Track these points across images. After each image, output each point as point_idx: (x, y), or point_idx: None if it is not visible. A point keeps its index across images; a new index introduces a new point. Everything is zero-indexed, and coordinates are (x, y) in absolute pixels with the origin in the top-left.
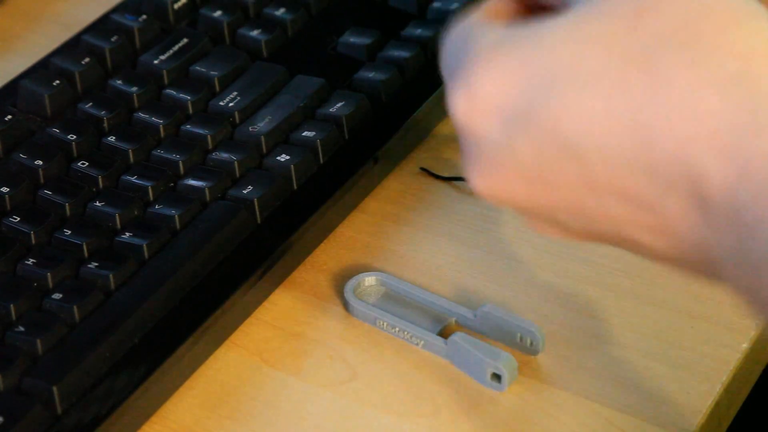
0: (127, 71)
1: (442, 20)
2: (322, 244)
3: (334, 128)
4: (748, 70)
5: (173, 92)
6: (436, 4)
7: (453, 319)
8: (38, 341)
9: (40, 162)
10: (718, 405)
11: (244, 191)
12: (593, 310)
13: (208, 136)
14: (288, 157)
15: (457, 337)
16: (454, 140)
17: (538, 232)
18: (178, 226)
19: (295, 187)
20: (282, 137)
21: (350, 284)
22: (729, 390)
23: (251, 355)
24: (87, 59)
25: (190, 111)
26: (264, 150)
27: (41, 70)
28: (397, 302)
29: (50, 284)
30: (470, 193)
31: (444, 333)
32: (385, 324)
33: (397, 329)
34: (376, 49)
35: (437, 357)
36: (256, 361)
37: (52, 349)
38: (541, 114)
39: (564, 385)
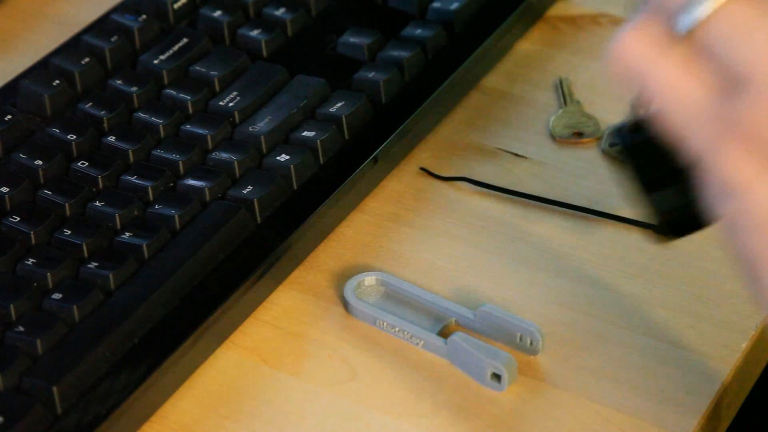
0: (127, 71)
1: (442, 20)
2: (322, 244)
3: (334, 128)
4: None
5: (173, 92)
6: (436, 4)
7: (453, 319)
8: (38, 341)
9: (40, 162)
10: (718, 405)
11: (244, 191)
12: (593, 310)
13: (208, 136)
14: (288, 157)
15: (457, 337)
16: (454, 140)
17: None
18: (178, 226)
19: (295, 187)
20: (282, 137)
21: (350, 284)
22: (729, 390)
23: (251, 355)
24: (87, 59)
25: (190, 111)
26: (264, 150)
27: (41, 70)
28: (397, 302)
29: (50, 284)
30: (470, 193)
31: (444, 333)
32: (385, 324)
33: (397, 329)
34: (376, 49)
35: (437, 357)
36: (256, 361)
37: (52, 349)
38: None
39: (564, 385)
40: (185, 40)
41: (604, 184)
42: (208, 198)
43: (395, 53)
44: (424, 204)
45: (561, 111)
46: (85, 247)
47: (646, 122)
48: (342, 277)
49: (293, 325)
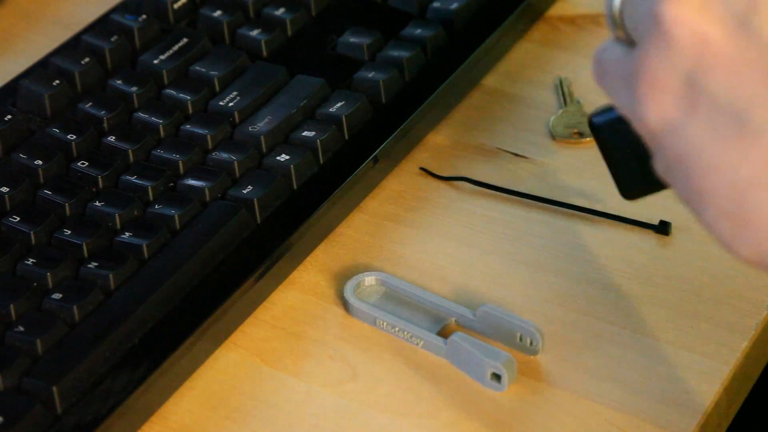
0: (127, 71)
1: (442, 20)
2: (322, 244)
3: (334, 128)
4: None
5: (173, 92)
6: (436, 4)
7: (453, 319)
8: (38, 341)
9: (40, 162)
10: (718, 405)
11: (244, 191)
12: (593, 310)
13: (208, 136)
14: (288, 157)
15: (457, 337)
16: (454, 140)
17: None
18: (178, 226)
19: (295, 187)
20: (282, 137)
21: (350, 284)
22: (729, 390)
23: (251, 355)
24: (87, 59)
25: (190, 111)
26: (264, 150)
27: (41, 70)
28: (397, 302)
29: (50, 284)
30: (470, 193)
31: (444, 333)
32: (385, 324)
33: (396, 329)
34: (376, 49)
35: (437, 357)
36: (256, 361)
37: (52, 349)
38: None
39: (564, 385)
40: (185, 40)
41: (604, 184)
42: (208, 198)
43: (395, 53)
44: (424, 204)
45: (561, 111)
46: (85, 247)
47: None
48: (342, 277)
49: (293, 325)
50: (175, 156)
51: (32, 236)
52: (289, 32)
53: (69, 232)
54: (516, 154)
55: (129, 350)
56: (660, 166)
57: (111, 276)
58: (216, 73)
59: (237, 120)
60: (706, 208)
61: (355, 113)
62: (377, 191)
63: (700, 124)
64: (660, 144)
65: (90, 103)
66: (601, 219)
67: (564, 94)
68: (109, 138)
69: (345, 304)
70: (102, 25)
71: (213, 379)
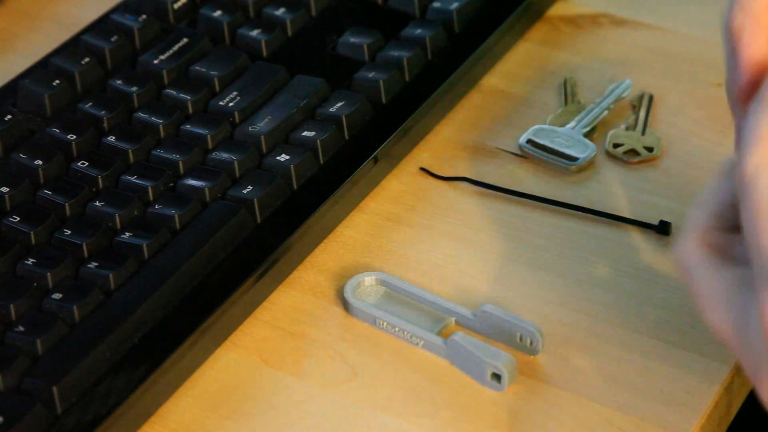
0: (127, 71)
1: (442, 20)
2: (322, 244)
3: (334, 128)
4: None
5: (173, 92)
6: (436, 4)
7: (453, 319)
8: (38, 341)
9: (40, 162)
10: (718, 405)
11: (244, 191)
12: (593, 310)
13: (208, 136)
14: (288, 157)
15: (457, 337)
16: (454, 140)
17: None
18: (178, 226)
19: (295, 187)
20: (282, 137)
21: (350, 284)
22: (729, 390)
23: (251, 355)
24: (87, 59)
25: (190, 111)
26: (264, 150)
27: (41, 70)
28: (397, 302)
29: (50, 284)
30: (470, 193)
31: (444, 333)
32: (385, 324)
33: (396, 329)
34: (376, 49)
35: (437, 357)
36: (256, 361)
37: (52, 349)
38: None
39: (564, 385)
40: (185, 40)
41: (604, 184)
42: (208, 198)
43: (395, 53)
44: (424, 204)
45: (560, 110)
46: (85, 247)
47: None
48: (342, 277)
49: (293, 325)
50: (175, 156)
51: (32, 236)
52: (289, 32)
53: (69, 232)
54: (516, 154)
55: (129, 350)
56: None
57: (111, 276)
58: (216, 73)
59: (237, 120)
60: None
61: (355, 113)
62: (377, 191)
63: None
64: None
65: (90, 103)
66: (601, 219)
67: (566, 93)
68: (109, 138)
69: (345, 304)
70: (102, 25)
71: (213, 379)
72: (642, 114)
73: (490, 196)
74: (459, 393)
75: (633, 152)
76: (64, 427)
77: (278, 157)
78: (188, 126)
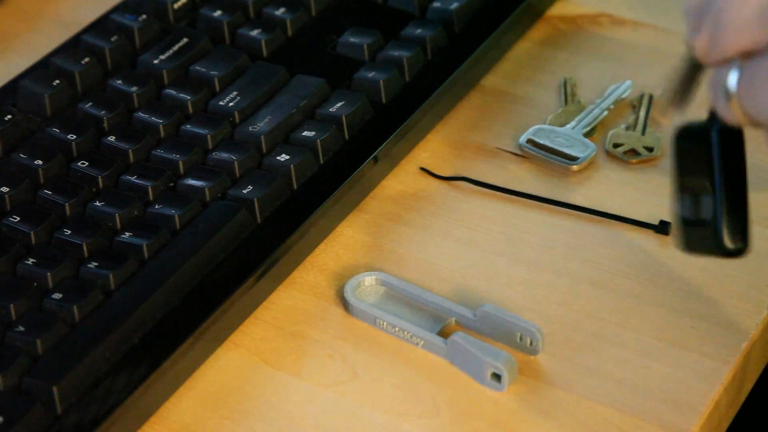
0: (127, 71)
1: (442, 20)
2: (322, 244)
3: (334, 128)
4: None
5: (173, 92)
6: (436, 4)
7: (453, 319)
8: (38, 341)
9: (40, 162)
10: (718, 405)
11: (244, 191)
12: (593, 310)
13: (208, 136)
14: (288, 157)
15: (457, 336)
16: (454, 140)
17: None
18: (178, 226)
19: (295, 187)
20: (282, 137)
21: (350, 284)
22: (729, 390)
23: (251, 355)
24: (87, 59)
25: (190, 111)
26: (264, 150)
27: (41, 70)
28: (397, 302)
29: (50, 284)
30: (470, 193)
31: (444, 333)
32: (385, 324)
33: (397, 329)
34: (376, 49)
35: (437, 357)
36: (256, 361)
37: (52, 349)
38: None
39: (564, 385)
40: (185, 40)
41: (604, 184)
42: (208, 198)
43: (395, 53)
44: (424, 204)
45: (560, 110)
46: (85, 247)
47: (714, 121)
48: (342, 277)
49: (293, 325)
50: (175, 156)
51: (32, 236)
52: (289, 32)
53: (69, 232)
54: (516, 154)
55: (129, 350)
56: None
57: (111, 276)
58: (216, 73)
59: (237, 120)
60: None
61: (355, 113)
62: (377, 191)
63: None
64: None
65: (90, 103)
66: (601, 219)
67: (566, 93)
68: (109, 138)
69: (345, 304)
70: (102, 25)
71: (213, 379)
72: (642, 114)
73: (490, 196)
74: (459, 393)
75: (633, 152)
76: (64, 427)
77: (278, 157)
78: (188, 126)
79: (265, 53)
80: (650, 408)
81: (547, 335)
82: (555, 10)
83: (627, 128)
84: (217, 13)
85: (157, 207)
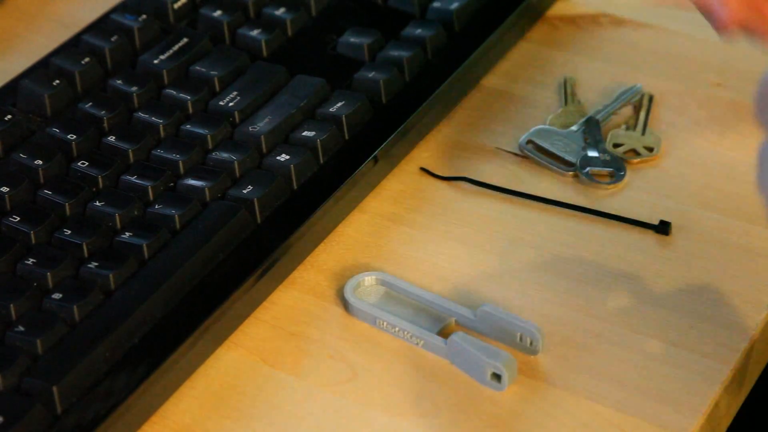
0: (127, 71)
1: (442, 20)
2: (322, 244)
3: (334, 128)
4: None
5: (173, 92)
6: (436, 4)
7: (453, 319)
8: (38, 341)
9: (40, 162)
10: (718, 405)
11: (244, 191)
12: (593, 310)
13: (208, 136)
14: (288, 157)
15: (457, 336)
16: (454, 140)
17: None
18: (178, 226)
19: (295, 187)
20: (282, 137)
21: (350, 284)
22: (729, 390)
23: (251, 355)
24: (87, 59)
25: (190, 111)
26: (264, 150)
27: (41, 70)
28: (397, 302)
29: (50, 284)
30: (470, 193)
31: (444, 333)
32: (385, 324)
33: (397, 329)
34: (376, 49)
35: (437, 357)
36: (256, 361)
37: (52, 349)
38: None
39: (564, 385)
40: (185, 40)
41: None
42: (208, 198)
43: (395, 53)
44: (424, 204)
45: (560, 110)
46: (85, 247)
47: None
48: (342, 277)
49: (293, 324)
50: (175, 156)
51: (32, 236)
52: (289, 32)
53: (69, 232)
54: (516, 154)
55: (129, 350)
56: None
57: (111, 276)
58: (216, 73)
59: (237, 120)
60: None
61: (355, 113)
62: (377, 191)
63: None
64: None
65: (90, 103)
66: (601, 219)
67: (566, 93)
68: (109, 138)
69: (345, 304)
70: (102, 25)
71: (213, 379)
72: (642, 114)
73: (490, 196)
74: (459, 393)
75: (633, 152)
76: (64, 427)
77: (278, 157)
78: (188, 126)
79: (265, 53)
80: (650, 408)
81: (547, 335)
82: (555, 10)
83: (627, 128)
84: (217, 13)
85: (157, 207)
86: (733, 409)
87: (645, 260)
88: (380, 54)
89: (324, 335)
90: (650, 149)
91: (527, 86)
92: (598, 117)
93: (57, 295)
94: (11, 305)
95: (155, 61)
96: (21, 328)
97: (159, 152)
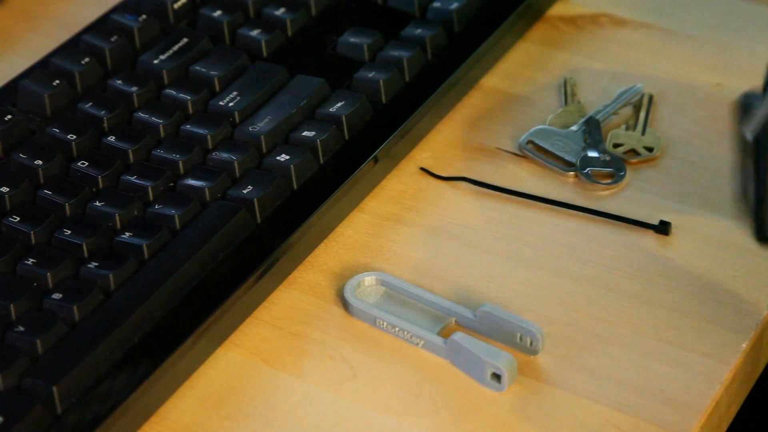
0: (127, 71)
1: (441, 20)
2: (322, 244)
3: (334, 128)
4: None
5: (173, 92)
6: (436, 4)
7: (453, 319)
8: (38, 341)
9: (40, 162)
10: (718, 405)
11: (244, 191)
12: (593, 310)
13: (208, 136)
14: (288, 157)
15: (457, 337)
16: (454, 140)
17: None
18: (178, 226)
19: (295, 187)
20: (282, 137)
21: (350, 284)
22: (729, 390)
23: (251, 355)
24: (87, 59)
25: (190, 111)
26: (264, 150)
27: (41, 70)
28: (397, 302)
29: (50, 284)
30: (470, 193)
31: (444, 333)
32: (385, 324)
33: (396, 329)
34: (376, 49)
35: (437, 357)
36: (256, 361)
37: (52, 349)
38: None
39: (564, 385)
40: (185, 40)
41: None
42: (208, 198)
43: (395, 53)
44: (424, 204)
45: (560, 110)
46: (85, 247)
47: None
48: (342, 277)
49: (293, 325)
50: (175, 156)
51: (32, 236)
52: (289, 32)
53: (69, 232)
54: (516, 154)
55: (129, 350)
56: None
57: (111, 276)
58: (216, 73)
59: (237, 120)
60: None
61: (355, 113)
62: (377, 191)
63: None
64: None
65: (90, 103)
66: (601, 219)
67: (566, 93)
68: (109, 138)
69: (345, 304)
70: (102, 25)
71: (213, 379)
72: (642, 114)
73: (490, 196)
74: (459, 393)
75: (633, 152)
76: (64, 427)
77: (278, 157)
78: (188, 126)
79: (265, 53)
80: (650, 408)
81: (547, 335)
82: (555, 10)
83: (627, 128)
84: (217, 13)
85: (157, 207)
86: (733, 409)
87: (645, 260)
88: (380, 54)
89: (324, 335)
90: (650, 149)
91: (527, 86)
92: (598, 117)
93: (57, 295)
94: (11, 305)
95: (155, 61)
96: (21, 328)
97: (159, 152)
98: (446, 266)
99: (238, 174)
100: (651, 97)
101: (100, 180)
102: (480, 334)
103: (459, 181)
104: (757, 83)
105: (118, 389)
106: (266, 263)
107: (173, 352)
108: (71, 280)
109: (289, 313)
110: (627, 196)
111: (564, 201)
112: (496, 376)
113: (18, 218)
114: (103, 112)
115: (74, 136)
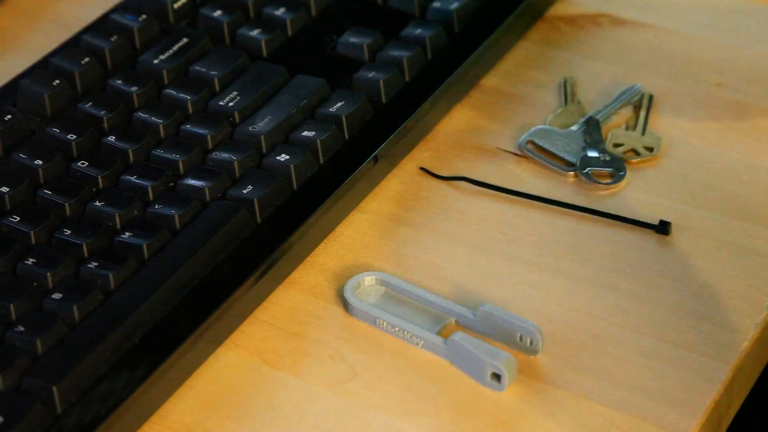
0: (127, 71)
1: (441, 20)
2: (322, 244)
3: (334, 128)
4: None
5: (173, 92)
6: (436, 4)
7: (453, 319)
8: (38, 341)
9: (40, 162)
10: (718, 405)
11: (244, 191)
12: (593, 310)
13: (208, 136)
14: (288, 157)
15: (457, 336)
16: (454, 140)
17: None
18: (178, 226)
19: (295, 187)
20: (282, 137)
21: (350, 284)
22: (729, 390)
23: (251, 355)
24: (87, 59)
25: (190, 111)
26: (264, 150)
27: (41, 70)
28: (397, 302)
29: (50, 284)
30: (470, 193)
31: (444, 333)
32: (385, 324)
33: (396, 329)
34: (376, 49)
35: (437, 357)
36: (256, 361)
37: (52, 349)
38: None
39: (564, 385)
40: (185, 40)
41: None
42: (208, 198)
43: (395, 53)
44: (424, 204)
45: (560, 109)
46: (85, 247)
47: None
48: (342, 277)
49: (293, 324)
50: (175, 156)
51: (32, 236)
52: (289, 32)
53: (69, 232)
54: (516, 154)
55: (129, 350)
56: None
57: (111, 276)
58: (216, 73)
59: (237, 120)
60: None
61: (355, 113)
62: (377, 191)
63: None
64: None
65: (90, 103)
66: (601, 219)
67: (566, 93)
68: (109, 138)
69: (345, 304)
70: (102, 25)
71: (213, 379)
72: (642, 114)
73: (490, 196)
74: (459, 393)
75: (633, 152)
76: (64, 427)
77: (278, 157)
78: (188, 126)
79: (265, 53)
80: (650, 408)
81: (547, 335)
82: (555, 10)
83: (627, 128)
84: (217, 13)
85: (157, 207)
86: (733, 409)
87: (645, 260)
88: (380, 54)
89: (324, 335)
90: (650, 149)
91: (527, 86)
92: (598, 117)
93: (57, 295)
94: (11, 305)
95: (155, 61)
96: (21, 328)
97: (159, 152)
98: (446, 266)
99: (238, 174)
100: (651, 97)
101: (100, 180)
102: (480, 334)
103: (459, 181)
104: (757, 83)
105: (118, 389)
106: (266, 263)
107: (173, 352)
108: (71, 280)
109: (288, 313)
110: (627, 196)
111: (564, 201)
112: (496, 376)
113: (18, 218)
114: (103, 112)
115: (74, 136)
